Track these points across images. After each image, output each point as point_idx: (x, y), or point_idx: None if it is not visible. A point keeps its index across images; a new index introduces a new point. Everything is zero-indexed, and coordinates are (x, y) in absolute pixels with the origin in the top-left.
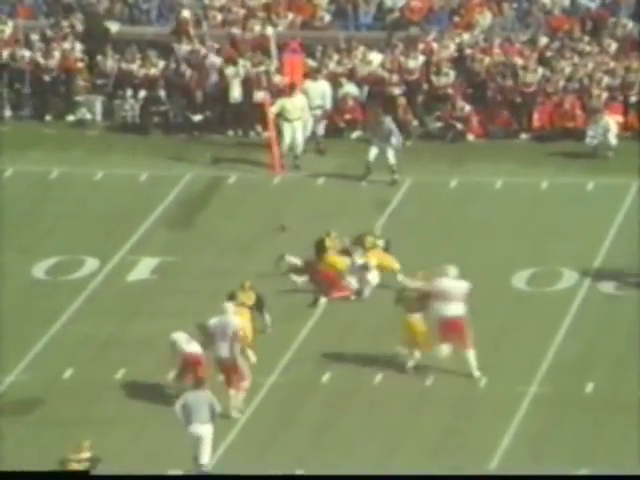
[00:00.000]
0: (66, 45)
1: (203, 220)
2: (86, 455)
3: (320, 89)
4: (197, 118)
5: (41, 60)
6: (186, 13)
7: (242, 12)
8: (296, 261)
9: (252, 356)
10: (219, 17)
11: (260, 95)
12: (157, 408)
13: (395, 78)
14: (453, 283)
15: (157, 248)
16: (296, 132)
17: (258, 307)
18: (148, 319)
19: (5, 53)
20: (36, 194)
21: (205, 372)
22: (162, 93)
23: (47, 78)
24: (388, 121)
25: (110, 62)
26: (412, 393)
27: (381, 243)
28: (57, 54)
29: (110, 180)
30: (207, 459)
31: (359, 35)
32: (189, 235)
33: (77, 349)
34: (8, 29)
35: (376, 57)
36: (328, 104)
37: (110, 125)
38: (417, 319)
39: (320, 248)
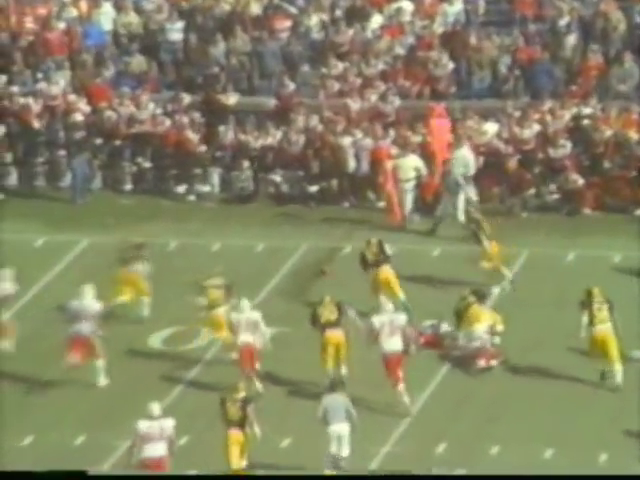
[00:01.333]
0: (185, 118)
1: (318, 291)
2: (241, 395)
3: (462, 156)
4: (313, 189)
5: (161, 133)
6: (291, 86)
7: (358, 81)
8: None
9: None
10: (336, 86)
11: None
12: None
13: (511, 149)
14: None
15: (273, 318)
16: (406, 193)
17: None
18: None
19: (128, 127)
20: (155, 265)
21: None
22: (277, 164)
23: (168, 151)
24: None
25: (230, 134)
26: None
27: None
28: (176, 126)
29: (227, 251)
30: (347, 452)
31: (473, 104)
32: (304, 306)
33: (191, 418)
34: (132, 104)
35: (491, 127)
36: (471, 170)
37: (227, 197)
38: None
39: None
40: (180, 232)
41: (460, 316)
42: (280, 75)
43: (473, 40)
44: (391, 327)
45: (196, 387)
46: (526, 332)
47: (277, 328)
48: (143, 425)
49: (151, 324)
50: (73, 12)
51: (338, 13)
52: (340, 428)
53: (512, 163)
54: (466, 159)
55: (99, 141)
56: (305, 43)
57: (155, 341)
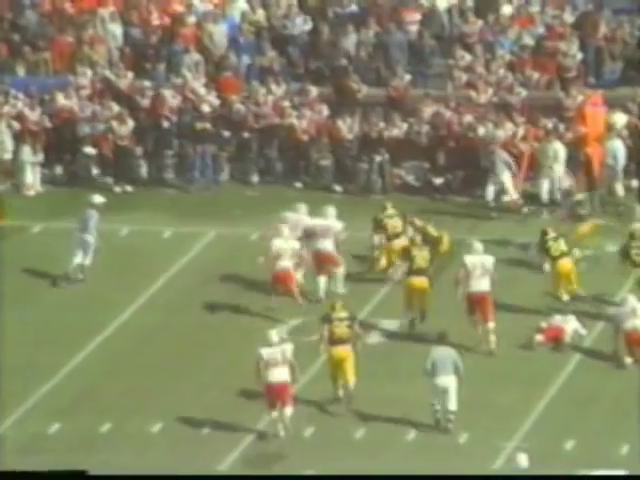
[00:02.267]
0: (315, 109)
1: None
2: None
3: (612, 147)
4: (438, 181)
5: (296, 123)
6: (407, 77)
7: (484, 72)
8: None
9: None
10: (464, 77)
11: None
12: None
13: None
14: None
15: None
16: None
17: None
18: (388, 380)
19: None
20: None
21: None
22: (404, 156)
23: (299, 142)
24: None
25: (356, 125)
26: None
27: None
28: (306, 119)
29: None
30: (454, 406)
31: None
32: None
33: (318, 408)
34: (272, 97)
35: (620, 118)
36: (621, 163)
37: (353, 188)
38: None
39: None
40: None
41: None
42: (396, 66)
43: (603, 28)
44: (482, 269)
45: (321, 378)
46: None
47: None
48: (265, 352)
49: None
50: (205, 7)
51: (469, 3)
52: (447, 381)
53: None
54: (615, 151)
55: (227, 134)
56: (433, 34)
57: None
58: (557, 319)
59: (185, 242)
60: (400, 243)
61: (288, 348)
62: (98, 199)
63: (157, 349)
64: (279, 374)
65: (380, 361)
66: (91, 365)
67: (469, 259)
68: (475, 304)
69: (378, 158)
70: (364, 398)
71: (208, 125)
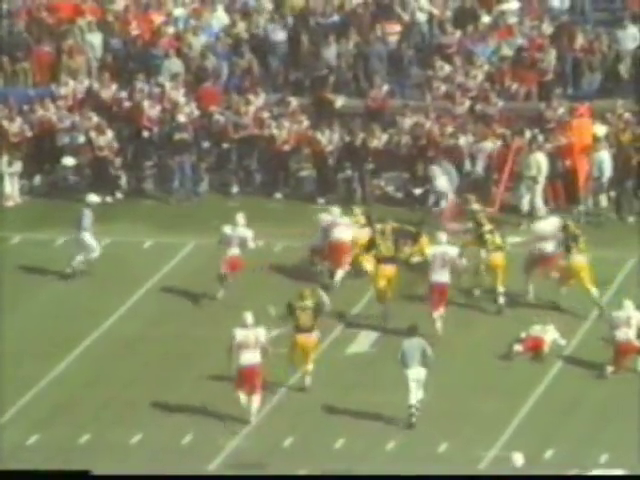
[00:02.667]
0: (295, 120)
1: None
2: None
3: (599, 159)
4: (417, 192)
5: (276, 134)
6: (385, 87)
7: (469, 83)
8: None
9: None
10: (443, 88)
11: None
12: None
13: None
14: None
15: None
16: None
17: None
18: (368, 390)
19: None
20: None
21: None
22: (383, 166)
23: (279, 153)
24: None
25: (335, 136)
26: None
27: None
28: (285, 129)
29: None
30: (421, 395)
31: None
32: (411, 307)
33: (298, 418)
34: (252, 107)
35: (600, 130)
36: (606, 174)
37: (334, 198)
38: None
39: None
40: (285, 235)
41: None
42: (374, 76)
43: (581, 40)
44: (442, 260)
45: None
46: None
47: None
48: (239, 333)
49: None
50: (184, 17)
51: (447, 14)
52: (415, 372)
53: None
54: (601, 162)
55: (206, 144)
56: (412, 45)
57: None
58: (536, 329)
59: (165, 252)
60: (364, 237)
61: (261, 332)
62: (93, 198)
63: (137, 359)
64: (250, 357)
65: (360, 371)
66: (71, 376)
67: (431, 249)
68: (433, 293)
69: (357, 169)
70: (344, 408)
71: (186, 135)
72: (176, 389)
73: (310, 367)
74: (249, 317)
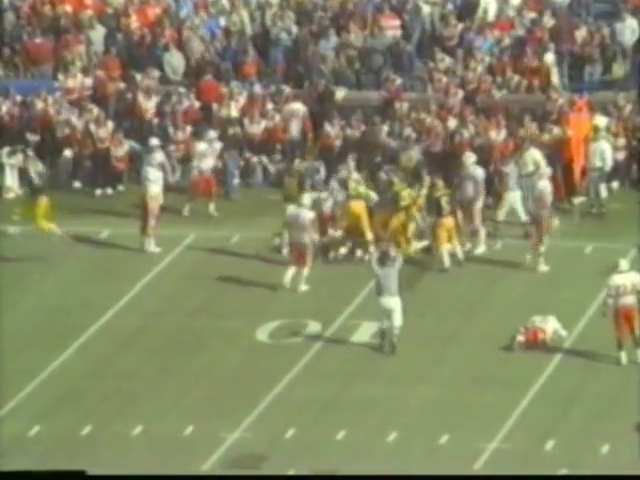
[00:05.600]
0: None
1: (424, 285)
2: None
3: (600, 150)
4: None
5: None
6: (398, 81)
7: (471, 75)
8: None
9: None
10: (444, 80)
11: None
12: (379, 470)
13: (621, 142)
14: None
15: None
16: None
17: None
18: (369, 382)
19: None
20: (261, 258)
21: None
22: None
23: (279, 146)
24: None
25: (336, 129)
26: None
27: None
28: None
29: None
30: (399, 322)
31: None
32: (412, 299)
33: (299, 410)
34: (242, 98)
35: (601, 121)
36: (608, 165)
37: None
38: None
39: None
40: None
41: None
42: (386, 69)
43: (582, 32)
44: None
45: (302, 380)
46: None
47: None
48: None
49: (258, 318)
50: (186, 11)
51: (449, 7)
52: (391, 302)
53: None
54: (604, 153)
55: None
56: (414, 37)
57: (262, 334)
58: (537, 320)
59: (165, 245)
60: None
61: (311, 215)
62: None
63: (138, 352)
64: (299, 236)
65: (361, 363)
66: (72, 368)
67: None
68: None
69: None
70: (344, 401)
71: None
72: (177, 381)
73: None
74: (306, 198)
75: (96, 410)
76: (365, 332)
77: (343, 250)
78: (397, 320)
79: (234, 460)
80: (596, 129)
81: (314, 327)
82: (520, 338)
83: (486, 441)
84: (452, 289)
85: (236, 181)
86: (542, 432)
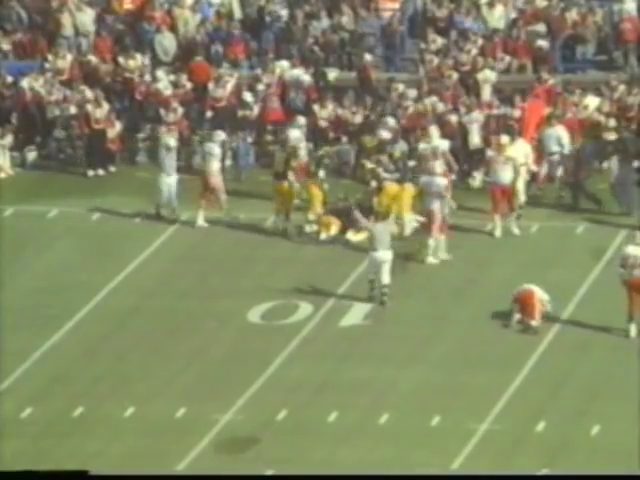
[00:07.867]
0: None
1: (415, 266)
2: None
3: (557, 135)
4: (411, 164)
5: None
6: (368, 57)
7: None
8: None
9: None
10: (435, 61)
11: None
12: (370, 451)
13: (612, 122)
14: None
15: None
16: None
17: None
18: (361, 363)
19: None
20: (253, 240)
21: None
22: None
23: (269, 127)
24: None
25: (328, 109)
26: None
27: None
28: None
29: None
30: (387, 280)
31: (576, 77)
32: (403, 281)
33: (291, 392)
34: (232, 79)
35: (592, 101)
36: (566, 150)
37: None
38: None
39: None
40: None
41: None
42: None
43: (574, 14)
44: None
45: (294, 362)
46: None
47: (373, 303)
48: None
49: (251, 299)
50: None
51: None
52: (384, 255)
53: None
54: (560, 137)
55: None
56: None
57: (255, 316)
58: (523, 287)
59: (157, 226)
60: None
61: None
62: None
63: (130, 333)
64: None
65: (352, 345)
66: (64, 349)
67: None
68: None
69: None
70: (336, 382)
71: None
72: (169, 362)
73: None
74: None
75: (88, 391)
76: (357, 313)
77: (334, 230)
78: (385, 278)
79: (225, 443)
80: (549, 116)
81: (306, 309)
82: (517, 316)
83: (477, 422)
84: (443, 270)
85: (250, 162)
86: (533, 413)
